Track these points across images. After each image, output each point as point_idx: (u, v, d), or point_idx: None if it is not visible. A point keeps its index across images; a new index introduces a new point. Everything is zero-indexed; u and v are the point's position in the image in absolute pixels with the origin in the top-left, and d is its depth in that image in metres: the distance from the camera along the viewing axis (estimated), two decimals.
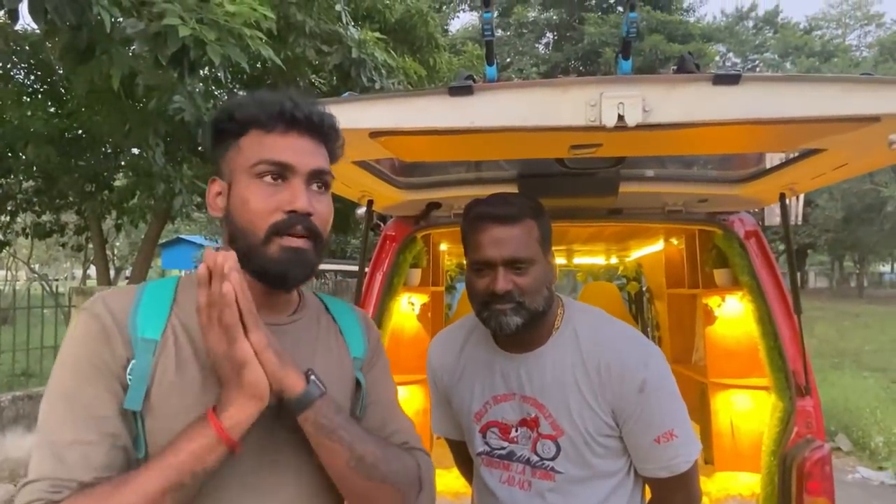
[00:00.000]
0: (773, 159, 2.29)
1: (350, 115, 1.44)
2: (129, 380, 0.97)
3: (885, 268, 49.08)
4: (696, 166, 2.50)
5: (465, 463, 1.76)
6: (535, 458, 1.47)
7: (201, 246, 19.36)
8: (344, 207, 9.14)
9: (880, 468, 6.15)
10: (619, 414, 1.41)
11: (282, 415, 1.04)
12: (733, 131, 1.49)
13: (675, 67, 1.74)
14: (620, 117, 1.35)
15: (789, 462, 2.26)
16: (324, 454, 1.04)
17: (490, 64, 2.13)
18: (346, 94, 1.65)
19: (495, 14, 27.80)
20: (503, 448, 1.51)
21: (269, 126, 1.04)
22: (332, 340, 1.20)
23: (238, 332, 0.94)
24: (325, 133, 1.09)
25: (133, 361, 0.98)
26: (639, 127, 1.35)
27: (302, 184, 1.03)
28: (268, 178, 1.03)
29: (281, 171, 1.03)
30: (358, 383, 1.20)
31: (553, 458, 1.45)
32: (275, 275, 1.04)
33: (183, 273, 1.23)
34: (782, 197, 2.29)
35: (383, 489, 1.09)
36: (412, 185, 2.44)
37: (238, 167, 1.05)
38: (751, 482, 2.58)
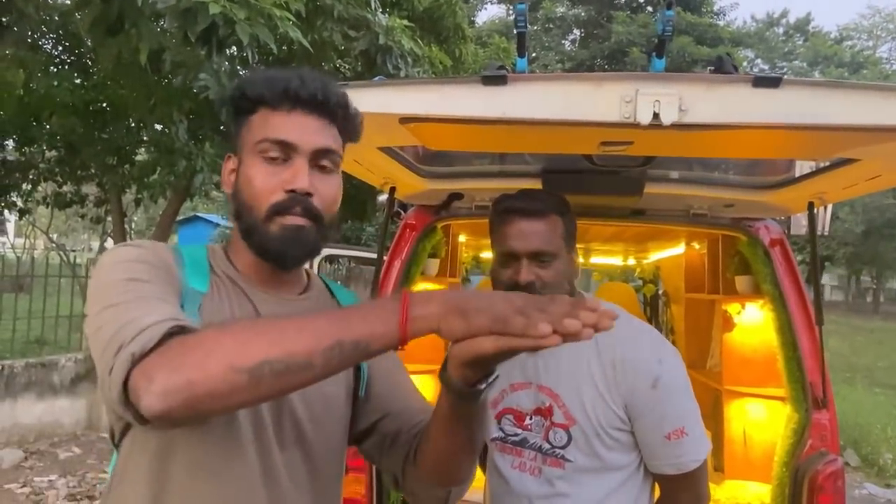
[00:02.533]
0: (802, 167, 2.25)
1: (381, 100, 1.43)
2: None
3: None
4: (723, 170, 2.47)
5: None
6: (547, 445, 1.50)
7: (218, 225, 19.48)
8: (360, 194, 9.14)
9: (888, 485, 6.11)
10: (631, 409, 1.44)
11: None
12: (768, 136, 1.46)
13: (711, 68, 1.71)
14: (656, 115, 1.33)
15: (801, 474, 2.23)
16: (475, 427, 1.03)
17: (521, 56, 2.10)
18: (378, 77, 1.64)
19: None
20: (517, 435, 1.55)
21: (276, 104, 1.04)
22: None
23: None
24: (332, 111, 1.07)
25: (183, 306, 0.98)
26: (674, 126, 1.32)
27: (304, 163, 1.03)
28: (270, 157, 1.03)
29: (284, 150, 1.02)
30: (358, 369, 1.20)
31: (564, 447, 1.48)
32: (274, 253, 1.04)
33: None
34: (811, 206, 2.25)
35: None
36: (435, 174, 2.43)
37: (246, 145, 1.06)
38: (761, 492, 2.56)
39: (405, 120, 1.47)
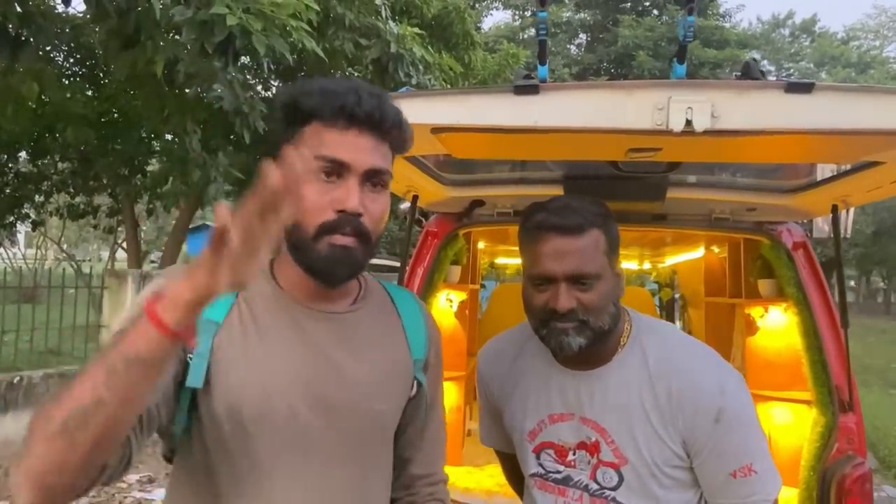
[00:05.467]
0: (823, 171, 2.25)
1: (413, 110, 1.43)
2: (190, 357, 0.99)
3: None
4: (745, 174, 2.47)
5: (515, 475, 1.63)
6: (595, 486, 1.36)
7: None
8: None
9: None
10: (690, 445, 1.30)
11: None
12: (798, 141, 1.47)
13: (738, 74, 1.72)
14: (688, 122, 1.33)
15: (829, 478, 2.22)
16: None
17: (543, 63, 2.11)
18: (405, 88, 1.66)
19: (529, 13, 27.72)
20: (559, 472, 1.40)
21: (330, 120, 1.01)
22: (394, 335, 1.20)
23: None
24: (388, 130, 1.06)
25: (195, 340, 0.97)
26: (706, 133, 1.33)
27: (356, 183, 1.01)
28: (323, 175, 1.01)
29: (336, 169, 1.01)
30: (419, 385, 1.20)
31: (615, 489, 1.34)
32: (321, 271, 1.04)
33: None
34: (834, 209, 2.25)
35: None
36: (457, 181, 2.44)
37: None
38: (788, 496, 2.54)
39: (437, 130, 1.48)
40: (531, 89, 1.39)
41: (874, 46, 34.14)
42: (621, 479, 1.33)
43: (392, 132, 1.07)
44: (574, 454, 1.38)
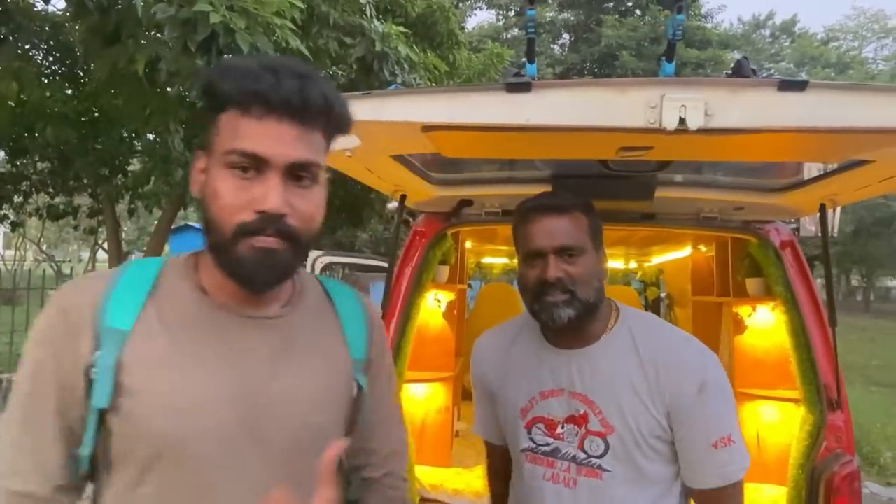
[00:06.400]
0: (810, 169, 2.26)
1: (404, 108, 1.42)
2: (94, 372, 0.90)
3: (893, 283, 48.83)
4: (733, 174, 2.47)
5: (498, 471, 1.73)
6: (582, 455, 1.44)
7: None
8: (356, 201, 9.13)
9: (889, 484, 6.13)
10: (675, 415, 1.38)
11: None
12: (787, 139, 1.46)
13: (728, 72, 1.71)
14: (682, 120, 1.32)
15: (818, 476, 2.23)
16: None
17: (531, 62, 2.10)
18: (393, 86, 1.64)
19: (513, 13, 27.78)
20: (548, 444, 1.49)
21: (245, 106, 0.89)
22: (330, 337, 1.10)
23: None
24: (315, 116, 0.92)
25: (98, 353, 0.91)
26: (700, 131, 1.32)
27: (277, 179, 0.90)
28: (239, 171, 0.90)
29: (254, 164, 0.90)
30: (359, 387, 1.10)
31: (601, 456, 1.42)
32: (242, 276, 0.94)
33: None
34: (822, 208, 2.25)
35: None
36: (445, 181, 2.42)
37: (215, 150, 0.93)
38: (776, 494, 2.55)
39: (428, 128, 1.46)
40: (523, 87, 1.37)
41: (853, 47, 34.55)
42: (607, 447, 1.42)
43: (321, 118, 0.94)
44: (563, 427, 1.47)
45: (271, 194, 0.89)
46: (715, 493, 1.39)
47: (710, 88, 1.33)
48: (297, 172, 0.92)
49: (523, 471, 1.53)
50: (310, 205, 0.95)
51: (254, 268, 0.91)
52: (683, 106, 1.33)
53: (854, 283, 40.04)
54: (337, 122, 0.98)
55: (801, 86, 1.30)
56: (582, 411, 1.44)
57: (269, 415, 0.95)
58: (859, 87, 1.34)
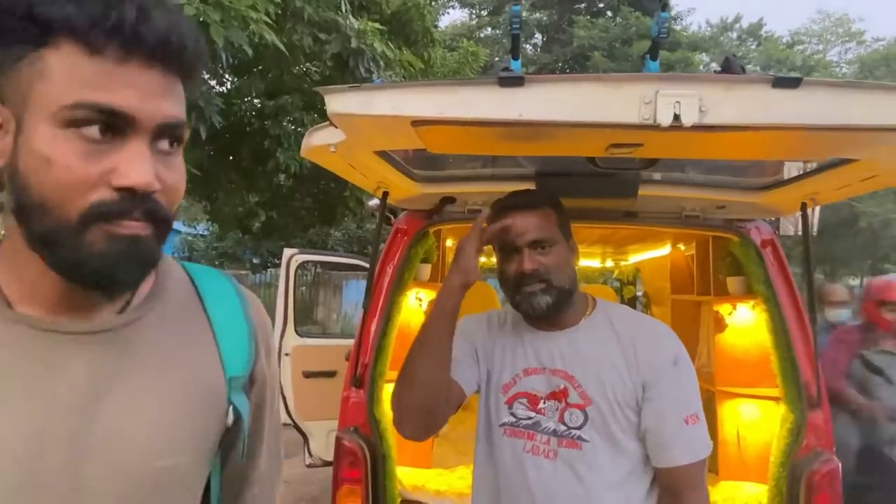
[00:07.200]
0: (790, 168, 2.27)
1: (393, 102, 1.39)
2: None
3: (855, 281, 49.99)
4: (716, 172, 2.48)
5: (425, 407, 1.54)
6: (562, 427, 1.50)
7: (179, 232, 19.00)
8: (329, 198, 9.04)
9: None
10: (650, 386, 1.47)
11: None
12: (777, 137, 1.46)
13: (718, 69, 1.71)
14: (676, 116, 1.30)
15: (798, 474, 2.25)
16: None
17: (516, 58, 2.08)
18: (377, 80, 1.60)
19: (486, 13, 27.82)
20: (530, 418, 1.54)
21: (96, 42, 0.64)
22: (194, 349, 0.83)
23: None
24: (187, 62, 0.71)
25: None
26: (694, 128, 1.31)
27: (146, 145, 0.68)
28: (91, 131, 0.65)
29: (111, 124, 0.66)
30: (236, 412, 0.84)
31: (580, 427, 1.49)
32: (96, 276, 0.69)
33: None
34: (803, 207, 2.27)
35: None
36: (429, 178, 2.39)
37: (39, 101, 0.65)
38: (756, 492, 2.57)
39: (418, 122, 1.42)
40: (516, 81, 1.34)
41: (818, 50, 35.23)
42: (586, 418, 1.49)
43: (193, 67, 0.72)
44: (545, 403, 1.54)
45: (140, 165, 0.67)
46: (683, 471, 1.45)
47: (705, 84, 1.32)
48: (164, 136, 0.71)
49: (502, 445, 1.56)
50: (178, 176, 0.74)
51: (115, 263, 0.68)
52: (678, 102, 1.31)
53: (818, 282, 40.86)
54: (200, 69, 0.75)
55: (795, 83, 1.30)
56: (562, 386, 1.52)
57: (94, 462, 0.72)
58: (852, 85, 1.34)
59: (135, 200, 0.67)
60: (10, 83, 0.66)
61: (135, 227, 0.68)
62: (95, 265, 0.68)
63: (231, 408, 0.83)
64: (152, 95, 0.68)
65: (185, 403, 0.79)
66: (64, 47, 0.65)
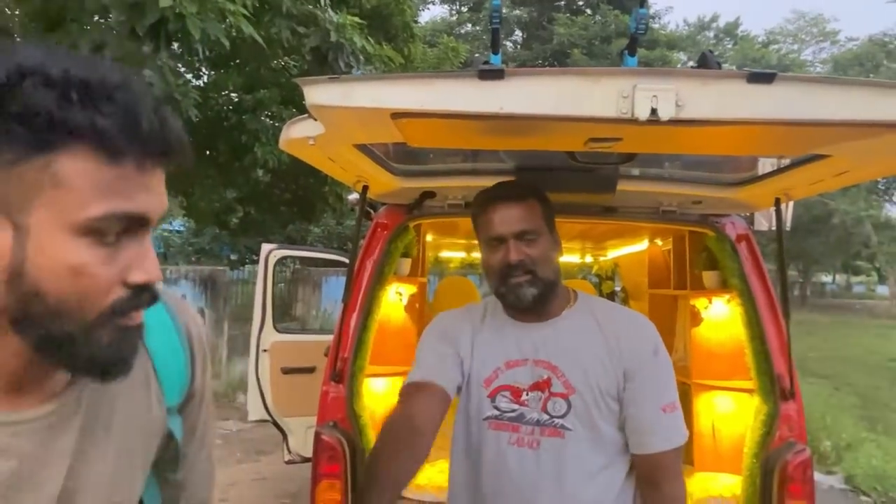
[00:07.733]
0: (764, 164, 2.30)
1: (373, 94, 1.38)
2: None
3: (828, 278, 50.81)
4: (692, 167, 2.51)
5: (418, 415, 1.51)
6: (546, 416, 1.52)
7: (154, 228, 18.67)
8: (307, 194, 9.00)
9: (829, 472, 6.35)
10: (631, 375, 1.49)
11: None
12: (752, 132, 1.48)
13: (694, 64, 1.72)
14: (653, 111, 1.31)
15: (771, 465, 2.29)
16: None
17: (496, 53, 2.08)
18: (358, 72, 1.60)
19: (466, 9, 27.81)
20: (514, 411, 1.55)
21: (119, 148, 0.63)
22: (138, 388, 0.84)
23: None
24: (181, 161, 0.72)
25: None
26: (671, 122, 1.32)
27: (149, 239, 0.71)
28: (111, 237, 0.66)
29: (128, 226, 0.67)
30: (171, 436, 0.90)
31: (563, 416, 1.50)
32: (106, 365, 0.70)
33: None
34: (777, 202, 2.30)
35: None
36: (409, 172, 2.39)
37: (55, 209, 0.62)
38: (731, 483, 2.61)
39: (397, 115, 1.42)
40: (496, 74, 1.34)
41: (793, 50, 35.68)
42: (569, 406, 1.51)
43: (181, 159, 0.72)
44: (527, 395, 1.54)
45: (150, 262, 0.69)
46: (660, 458, 1.48)
47: (681, 79, 1.33)
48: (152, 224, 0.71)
49: (486, 438, 1.56)
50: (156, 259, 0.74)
51: (121, 350, 0.70)
52: (655, 96, 1.32)
53: (791, 278, 41.48)
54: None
55: (769, 78, 1.31)
56: (546, 376, 1.53)
57: None
58: (826, 80, 1.36)
59: (143, 293, 0.70)
60: (5, 185, 0.62)
61: (138, 318, 0.71)
62: (107, 358, 0.70)
63: (168, 431, 0.89)
64: (160, 194, 0.70)
65: (131, 450, 0.82)
66: (81, 153, 0.62)
